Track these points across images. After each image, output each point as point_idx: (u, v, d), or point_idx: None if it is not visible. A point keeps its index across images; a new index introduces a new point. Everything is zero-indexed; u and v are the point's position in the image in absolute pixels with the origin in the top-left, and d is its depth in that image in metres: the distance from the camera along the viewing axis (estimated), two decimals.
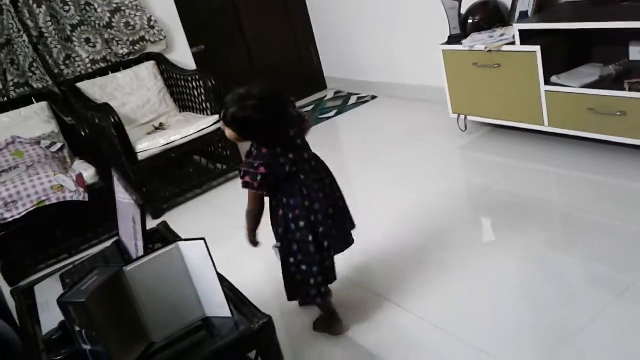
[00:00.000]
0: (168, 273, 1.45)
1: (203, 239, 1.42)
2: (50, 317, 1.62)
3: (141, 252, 1.63)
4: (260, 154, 1.82)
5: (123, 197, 1.81)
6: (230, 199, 3.57)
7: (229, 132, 1.84)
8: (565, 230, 2.51)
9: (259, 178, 1.81)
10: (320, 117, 4.69)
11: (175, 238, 1.90)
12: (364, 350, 2.01)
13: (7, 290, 2.13)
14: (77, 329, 1.33)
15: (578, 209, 2.53)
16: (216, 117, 3.65)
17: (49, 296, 1.77)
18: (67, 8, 3.81)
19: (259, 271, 2.64)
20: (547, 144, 3.13)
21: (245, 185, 1.84)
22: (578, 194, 2.64)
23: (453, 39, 3.42)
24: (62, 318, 1.39)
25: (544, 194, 2.76)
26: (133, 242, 1.74)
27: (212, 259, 1.42)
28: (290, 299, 2.04)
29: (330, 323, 2.10)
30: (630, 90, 2.54)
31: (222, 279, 1.47)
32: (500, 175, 2.99)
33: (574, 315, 1.91)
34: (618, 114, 2.61)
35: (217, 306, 1.46)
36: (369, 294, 2.27)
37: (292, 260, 1.94)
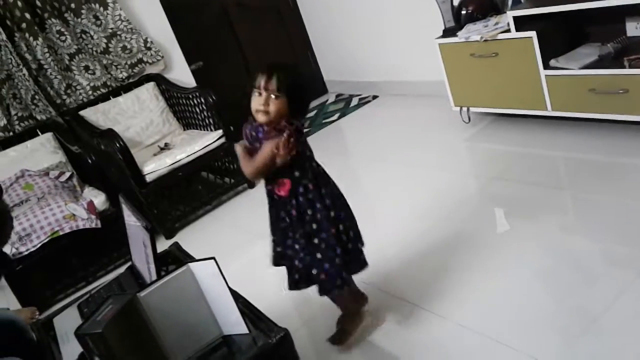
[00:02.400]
0: (182, 295, 1.45)
1: (213, 258, 1.42)
2: (71, 349, 1.63)
3: (154, 276, 1.64)
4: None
5: (132, 221, 1.82)
6: (240, 213, 3.58)
7: (276, 106, 1.76)
8: (579, 213, 2.49)
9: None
10: (324, 121, 4.69)
11: (187, 259, 1.91)
12: (384, 353, 2.01)
13: None
14: (97, 359, 1.34)
15: (589, 191, 2.51)
16: (220, 132, 3.67)
17: (68, 327, 1.78)
18: (63, 38, 3.84)
19: (274, 282, 2.64)
20: (552, 129, 3.11)
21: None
22: (587, 176, 2.62)
23: (448, 32, 3.41)
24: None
25: (553, 179, 2.74)
26: (146, 266, 1.75)
27: (224, 277, 1.41)
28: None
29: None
30: (630, 67, 2.52)
31: (236, 296, 1.47)
32: (508, 164, 2.97)
33: (596, 298, 1.89)
34: (620, 91, 2.59)
35: (234, 324, 1.46)
36: (386, 296, 2.26)
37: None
